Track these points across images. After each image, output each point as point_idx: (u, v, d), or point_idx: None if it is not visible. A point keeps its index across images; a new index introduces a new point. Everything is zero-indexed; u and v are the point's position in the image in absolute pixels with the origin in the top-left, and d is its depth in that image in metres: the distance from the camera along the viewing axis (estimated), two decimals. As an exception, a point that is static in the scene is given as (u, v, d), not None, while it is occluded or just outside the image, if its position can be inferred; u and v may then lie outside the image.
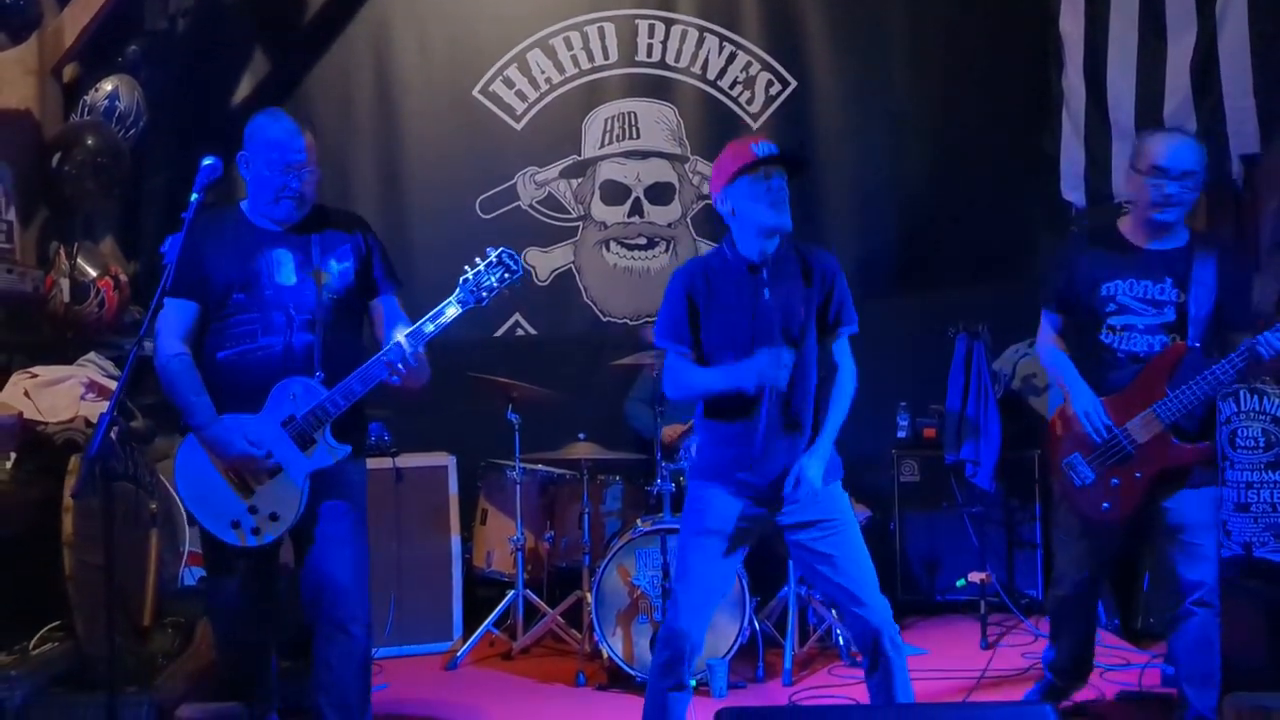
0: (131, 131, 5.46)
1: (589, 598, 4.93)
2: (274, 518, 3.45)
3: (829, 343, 3.62)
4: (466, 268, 3.51)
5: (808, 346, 3.53)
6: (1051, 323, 4.03)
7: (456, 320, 3.50)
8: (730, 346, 3.50)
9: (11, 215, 4.97)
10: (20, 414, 4.23)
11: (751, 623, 4.82)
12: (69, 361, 4.88)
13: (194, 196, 3.24)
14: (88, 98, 5.34)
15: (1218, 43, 4.88)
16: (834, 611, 5.00)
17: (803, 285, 3.56)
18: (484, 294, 3.47)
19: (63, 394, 4.43)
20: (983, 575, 5.50)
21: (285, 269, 3.52)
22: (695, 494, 3.66)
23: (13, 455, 4.11)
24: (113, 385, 4.54)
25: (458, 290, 3.48)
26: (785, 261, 3.56)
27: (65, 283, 5.02)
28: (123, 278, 5.23)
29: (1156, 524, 3.82)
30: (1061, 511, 4.03)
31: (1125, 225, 3.90)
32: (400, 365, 3.40)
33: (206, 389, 3.46)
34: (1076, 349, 3.95)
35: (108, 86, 5.37)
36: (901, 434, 6.11)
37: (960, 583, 5.64)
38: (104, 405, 3.71)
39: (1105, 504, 3.81)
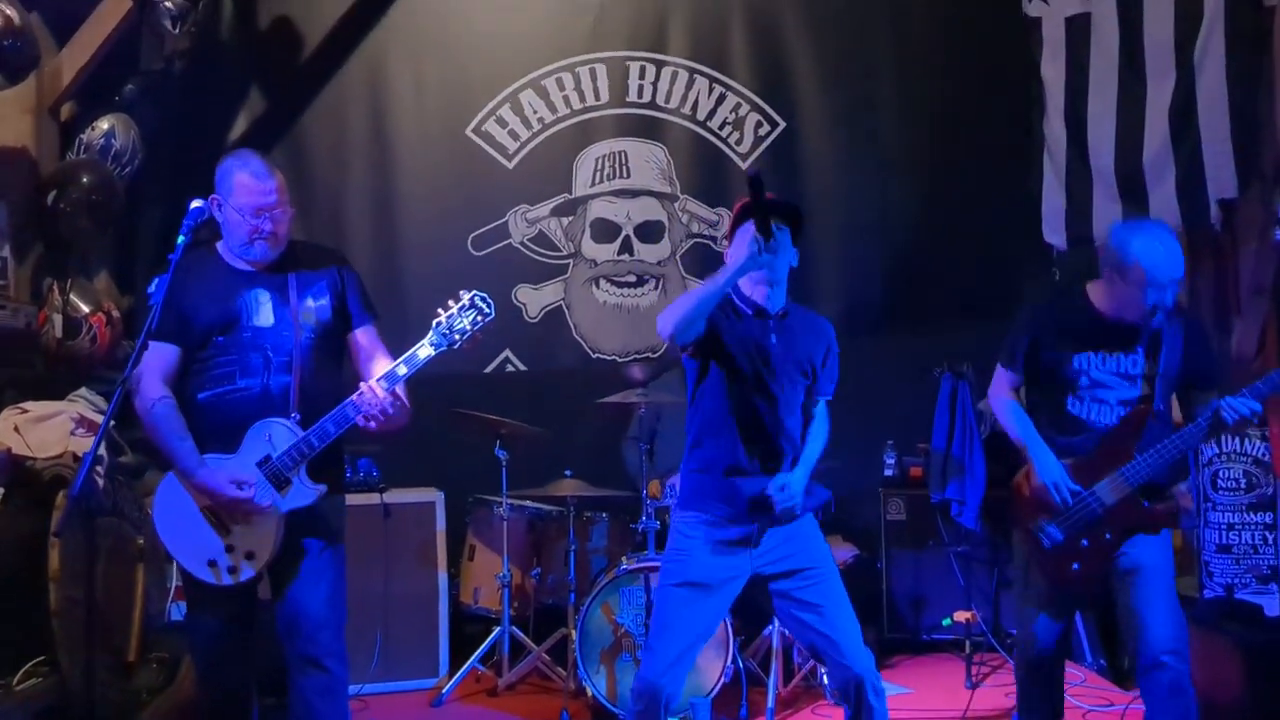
0: (127, 169, 5.53)
1: (574, 635, 4.94)
2: (250, 556, 3.47)
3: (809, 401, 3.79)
4: (440, 310, 3.55)
5: (792, 406, 3.70)
6: (1009, 380, 4.00)
7: (438, 359, 3.55)
8: (727, 388, 3.65)
9: (6, 252, 5.04)
10: (8, 449, 4.27)
11: (735, 661, 4.83)
12: (61, 397, 4.91)
13: (180, 239, 3.30)
14: (84, 136, 5.42)
15: (1196, 89, 4.94)
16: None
17: (802, 346, 3.74)
18: (456, 336, 3.51)
19: (52, 429, 4.47)
20: (968, 614, 5.52)
21: (263, 310, 3.56)
22: (678, 540, 3.69)
23: (0, 490, 4.15)
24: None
25: (430, 333, 3.52)
26: (793, 320, 3.75)
27: (58, 318, 5.08)
28: (115, 313, 5.28)
29: (1111, 572, 3.78)
30: (1030, 574, 3.93)
31: (1096, 295, 3.84)
32: (375, 410, 3.44)
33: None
34: (1042, 415, 3.92)
35: (104, 125, 5.44)
36: (888, 472, 6.14)
37: (946, 621, 5.66)
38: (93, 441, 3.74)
39: (1075, 564, 3.78)
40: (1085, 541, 3.77)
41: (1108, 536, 3.75)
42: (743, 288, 3.69)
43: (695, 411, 3.76)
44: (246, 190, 3.51)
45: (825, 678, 5.09)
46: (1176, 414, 4.01)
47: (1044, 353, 3.86)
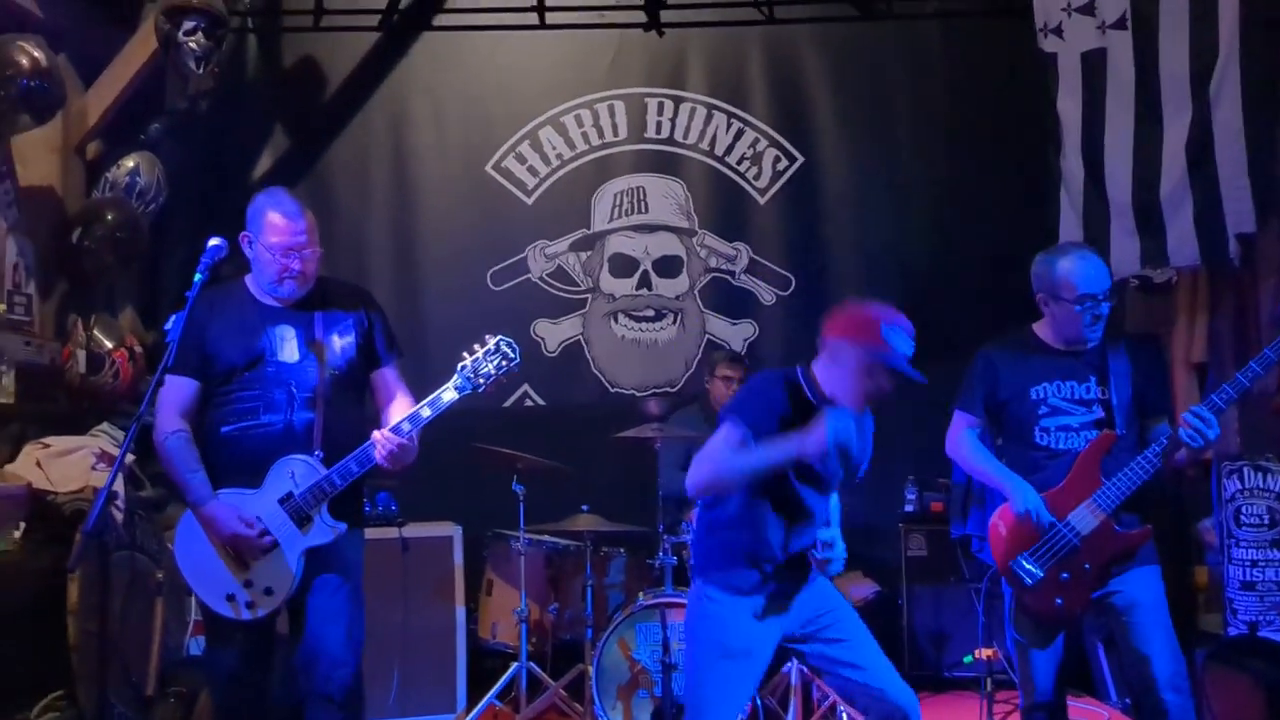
0: (151, 207, 5.61)
1: (590, 671, 4.92)
2: (268, 592, 3.49)
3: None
4: (465, 354, 3.57)
5: (831, 492, 3.70)
6: (967, 423, 4.01)
7: (457, 401, 3.57)
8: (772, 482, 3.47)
9: (31, 289, 5.11)
10: (29, 484, 4.32)
11: (754, 698, 4.80)
12: (84, 432, 4.97)
13: (197, 277, 3.34)
14: (109, 174, 5.51)
15: (1213, 123, 4.91)
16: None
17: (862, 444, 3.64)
18: (481, 380, 3.53)
19: (73, 464, 4.51)
20: (990, 651, 5.46)
21: (288, 346, 3.59)
22: (708, 606, 3.52)
23: (21, 525, 4.19)
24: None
25: (455, 376, 3.54)
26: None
27: (82, 354, 5.14)
28: (138, 349, 5.34)
29: (1108, 610, 3.78)
30: (1018, 617, 3.89)
31: (1042, 331, 3.93)
32: (396, 452, 3.47)
33: (209, 462, 3.53)
34: (1013, 454, 3.93)
35: (129, 163, 5.53)
36: (909, 508, 6.10)
37: (967, 659, 5.59)
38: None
39: (1058, 599, 3.75)
40: (1065, 575, 3.75)
41: (1086, 567, 3.73)
42: (826, 388, 3.48)
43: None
44: (277, 229, 3.55)
45: (845, 717, 5.02)
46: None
47: (1002, 391, 3.92)
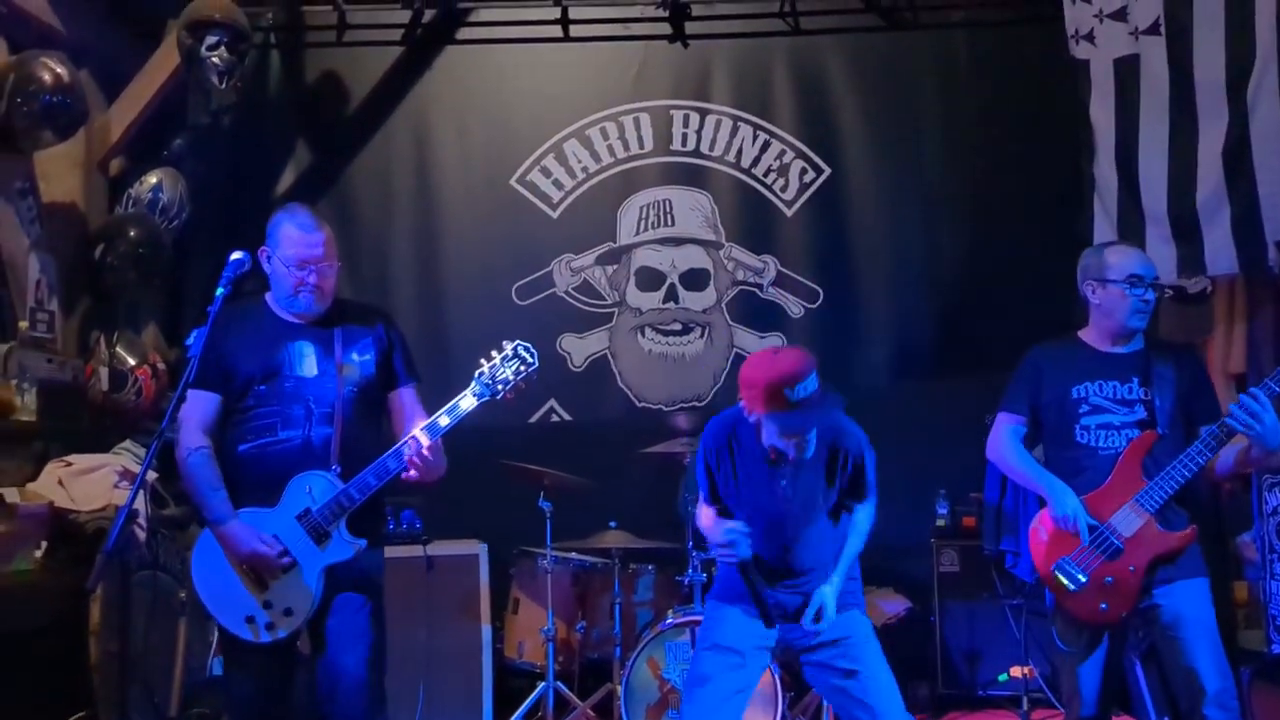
0: (174, 223, 5.61)
1: (619, 691, 4.86)
2: (288, 613, 3.43)
3: (849, 505, 3.79)
4: (482, 361, 3.53)
5: (820, 523, 3.71)
6: (1012, 426, 3.99)
7: (480, 410, 3.51)
8: (745, 508, 3.68)
9: (54, 305, 5.09)
10: (50, 503, 4.29)
11: (784, 718, 4.72)
12: (107, 449, 4.95)
13: (219, 290, 3.30)
14: (132, 190, 5.51)
15: (1250, 130, 4.83)
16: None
17: (824, 480, 3.67)
18: (499, 387, 3.48)
19: (96, 482, 4.48)
20: (1025, 669, 5.37)
21: (307, 361, 3.55)
22: (712, 611, 3.78)
23: (43, 544, 4.15)
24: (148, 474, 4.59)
25: (473, 383, 3.50)
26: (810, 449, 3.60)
27: (104, 371, 5.12)
28: (160, 366, 5.32)
29: (1153, 622, 3.71)
30: (1060, 623, 3.84)
31: (1087, 335, 3.95)
32: (416, 459, 3.42)
33: (227, 481, 3.48)
34: (1053, 454, 3.92)
35: (152, 179, 5.53)
36: (941, 522, 6.00)
37: (1002, 677, 5.51)
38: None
39: (1103, 604, 3.69)
40: (1109, 578, 3.68)
41: (1131, 569, 3.67)
42: (764, 440, 3.58)
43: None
44: (292, 242, 3.54)
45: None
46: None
47: (1046, 391, 3.91)
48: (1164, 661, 3.71)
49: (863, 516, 3.78)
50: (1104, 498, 3.73)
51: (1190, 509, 3.78)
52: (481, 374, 3.50)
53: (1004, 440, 4.00)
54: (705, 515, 3.76)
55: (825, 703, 4.90)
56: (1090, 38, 5.47)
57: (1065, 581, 3.72)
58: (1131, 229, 5.27)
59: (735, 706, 3.61)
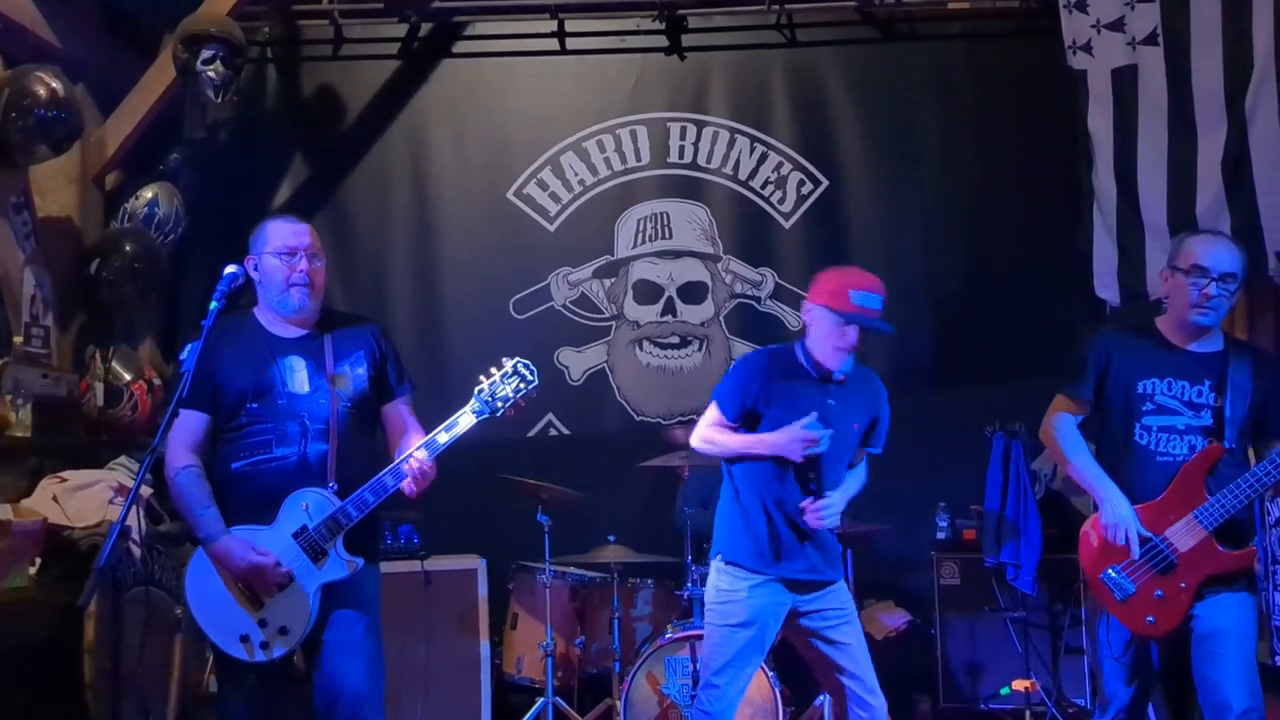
0: (170, 237, 5.59)
1: (618, 706, 4.82)
2: (283, 631, 3.39)
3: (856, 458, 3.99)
4: (482, 378, 3.51)
5: (846, 457, 3.90)
6: (1072, 410, 3.83)
7: (478, 425, 3.49)
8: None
9: (49, 320, 5.07)
10: (44, 519, 4.25)
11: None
12: (102, 465, 4.92)
13: (213, 304, 3.27)
14: (128, 205, 5.48)
15: (1249, 139, 4.83)
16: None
17: (861, 403, 3.92)
18: (499, 404, 3.46)
19: (91, 499, 4.46)
20: (1027, 683, 5.34)
21: (298, 377, 3.52)
22: (727, 583, 3.83)
23: (37, 561, 4.12)
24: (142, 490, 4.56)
25: (472, 400, 3.47)
26: (851, 384, 3.90)
27: (100, 386, 5.09)
28: (156, 381, 5.30)
29: (1189, 633, 3.61)
30: (1102, 630, 3.75)
31: (1163, 324, 3.77)
32: (415, 478, 3.40)
33: (220, 500, 3.44)
34: (1107, 450, 3.78)
35: (148, 194, 5.51)
36: (941, 535, 5.97)
37: (1004, 690, 5.47)
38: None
39: (1150, 618, 3.60)
40: (1159, 592, 3.59)
41: (1183, 585, 3.57)
42: (814, 353, 3.84)
43: (736, 465, 3.90)
44: (278, 233, 3.56)
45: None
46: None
47: (1112, 378, 3.75)
48: (1195, 672, 3.60)
49: (862, 468, 4.02)
50: (1161, 509, 3.61)
51: (1250, 528, 3.68)
52: (481, 391, 3.48)
53: (1063, 430, 3.83)
54: (728, 434, 3.86)
55: (826, 716, 4.88)
56: (1088, 48, 5.47)
57: (1111, 590, 3.64)
58: (1131, 240, 5.27)
59: (755, 669, 3.88)
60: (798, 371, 3.86)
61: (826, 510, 3.73)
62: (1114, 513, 3.62)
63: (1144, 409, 3.68)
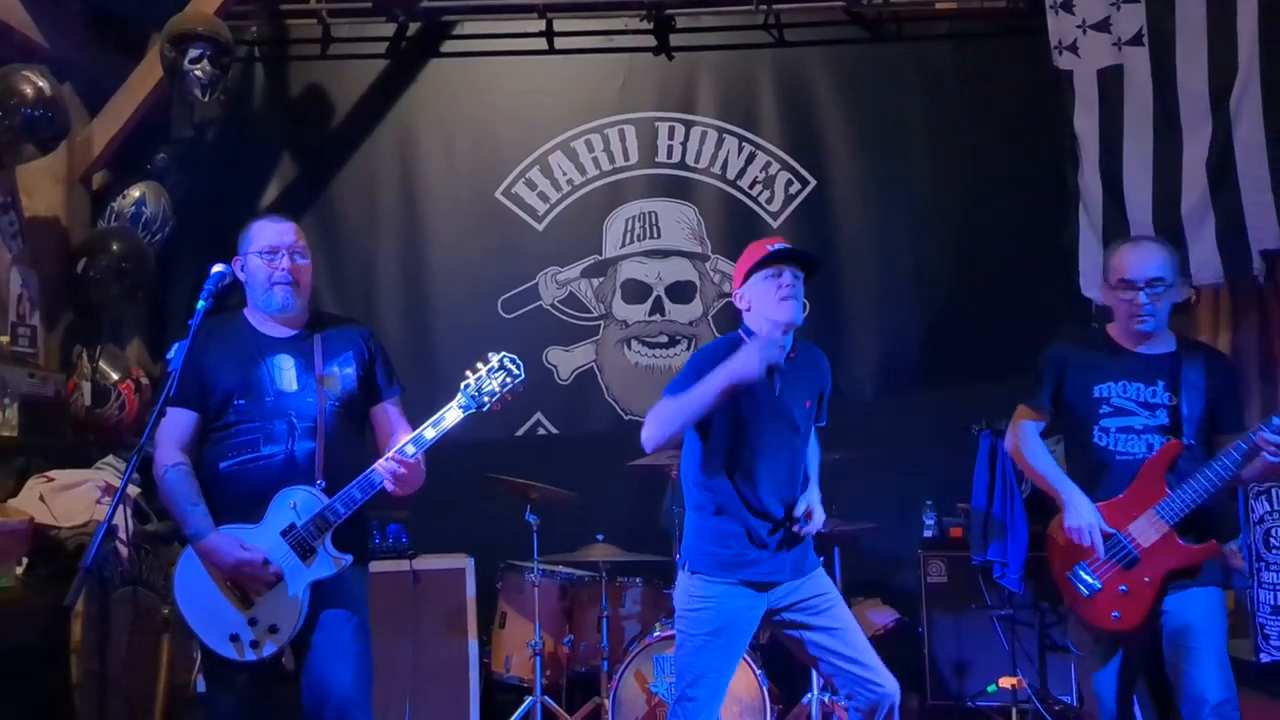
0: (158, 237, 5.57)
1: (607, 704, 4.83)
2: (273, 630, 3.39)
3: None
4: (468, 373, 3.51)
5: (804, 438, 3.77)
6: (1033, 420, 3.96)
7: (466, 422, 3.49)
8: (739, 430, 3.64)
9: (35, 320, 5.06)
10: (31, 519, 4.24)
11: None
12: (89, 465, 4.91)
13: (200, 303, 3.27)
14: (115, 204, 5.47)
15: (1233, 139, 4.87)
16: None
17: (808, 381, 3.77)
18: (485, 399, 3.46)
19: (78, 498, 4.44)
20: (1014, 680, 5.36)
21: (286, 376, 3.52)
22: (697, 590, 3.68)
23: (24, 561, 4.11)
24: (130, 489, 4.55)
25: (459, 395, 3.48)
26: (798, 361, 3.75)
27: (87, 386, 5.08)
28: (144, 380, 5.29)
29: (1160, 629, 3.68)
30: (1073, 626, 3.89)
31: (1113, 331, 3.90)
32: (402, 472, 3.39)
33: (209, 500, 3.44)
34: (1071, 454, 3.89)
35: (135, 193, 5.49)
36: (928, 533, 5.99)
37: (991, 688, 5.49)
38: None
39: (1115, 613, 3.68)
40: (1124, 587, 3.67)
41: (1147, 580, 3.65)
42: (759, 329, 3.68)
43: (695, 458, 3.75)
44: (262, 232, 3.57)
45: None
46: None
47: (1068, 386, 3.86)
48: (1169, 668, 3.67)
49: (814, 443, 3.90)
50: (1123, 505, 3.69)
51: (1211, 522, 3.72)
52: (467, 386, 3.48)
53: (1025, 438, 3.94)
54: (679, 398, 3.54)
55: (814, 716, 4.90)
56: (1074, 48, 5.50)
57: (1079, 588, 3.71)
58: (1116, 239, 5.27)
59: (730, 677, 3.70)
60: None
61: (812, 518, 3.66)
62: (1078, 515, 3.70)
63: (1101, 412, 3.78)
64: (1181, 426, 3.69)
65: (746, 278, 3.69)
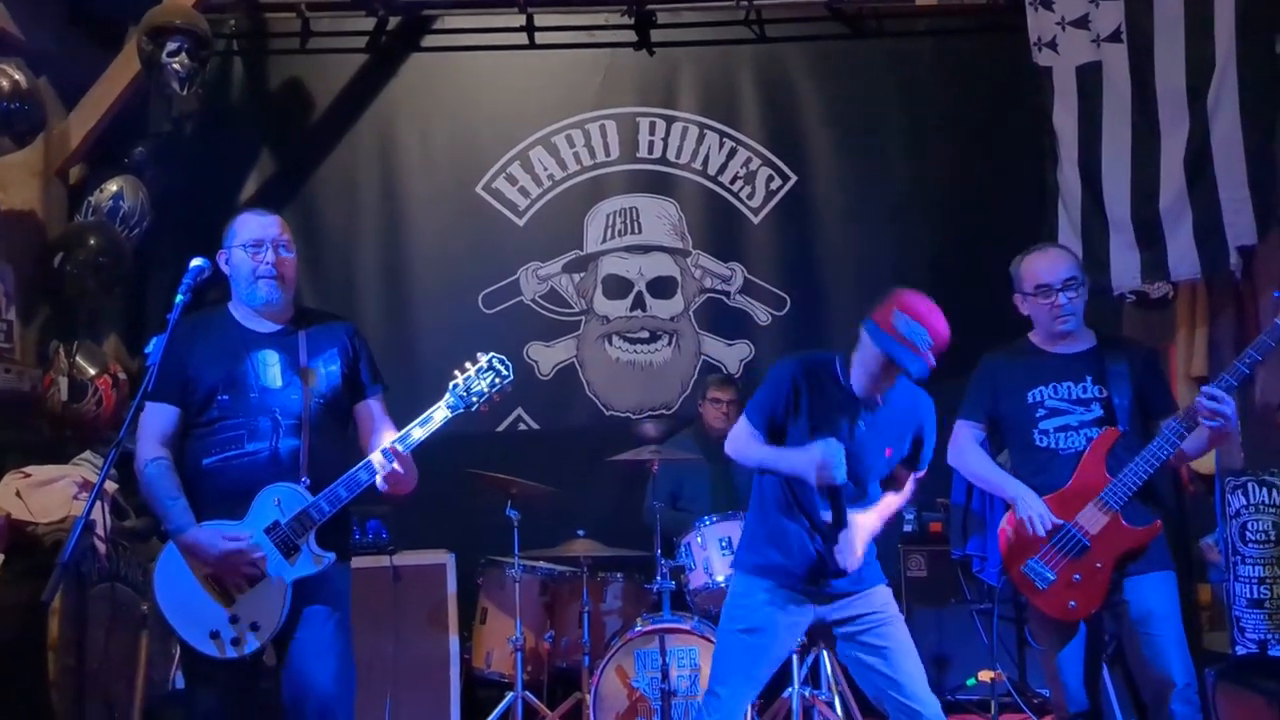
0: (135, 231, 5.54)
1: (588, 700, 4.83)
2: (254, 627, 3.37)
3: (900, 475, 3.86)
4: (457, 372, 3.49)
5: (872, 490, 3.74)
6: (971, 432, 4.04)
7: (450, 421, 3.48)
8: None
9: (12, 315, 5.02)
10: (8, 515, 4.22)
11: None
12: (66, 460, 4.88)
13: (179, 298, 3.25)
14: (92, 198, 5.44)
15: (1211, 136, 4.90)
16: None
17: (898, 427, 3.75)
18: (474, 399, 3.45)
19: (55, 494, 4.42)
20: (993, 674, 5.37)
21: (271, 371, 3.49)
22: (740, 588, 3.74)
23: (1, 556, 4.08)
24: (108, 485, 4.53)
25: (447, 395, 3.46)
26: (890, 406, 3.71)
27: (64, 381, 5.05)
28: (121, 376, 5.25)
29: (1121, 617, 3.76)
30: (1033, 623, 3.95)
31: (1036, 338, 4.02)
32: (390, 472, 3.37)
33: (191, 496, 3.41)
34: (1014, 460, 3.98)
35: (112, 187, 5.47)
36: (908, 528, 6.01)
37: (970, 681, 5.51)
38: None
39: (1071, 601, 3.75)
40: (1077, 575, 3.74)
41: (1099, 566, 3.72)
42: (851, 370, 3.67)
43: (763, 479, 3.79)
44: (247, 225, 3.56)
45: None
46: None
47: (1002, 398, 3.98)
48: (1130, 655, 3.76)
49: (903, 490, 3.90)
50: (1069, 496, 3.78)
51: (1154, 504, 3.82)
52: (456, 385, 3.47)
53: (964, 445, 4.05)
54: (755, 445, 3.67)
55: (794, 709, 4.90)
56: (1053, 45, 5.52)
57: (1034, 580, 3.78)
58: (1095, 235, 5.32)
59: (761, 685, 3.72)
60: (832, 386, 3.68)
61: (849, 552, 3.61)
62: (1027, 507, 3.79)
63: (1038, 415, 3.89)
64: (1115, 415, 3.78)
65: (885, 330, 3.53)
